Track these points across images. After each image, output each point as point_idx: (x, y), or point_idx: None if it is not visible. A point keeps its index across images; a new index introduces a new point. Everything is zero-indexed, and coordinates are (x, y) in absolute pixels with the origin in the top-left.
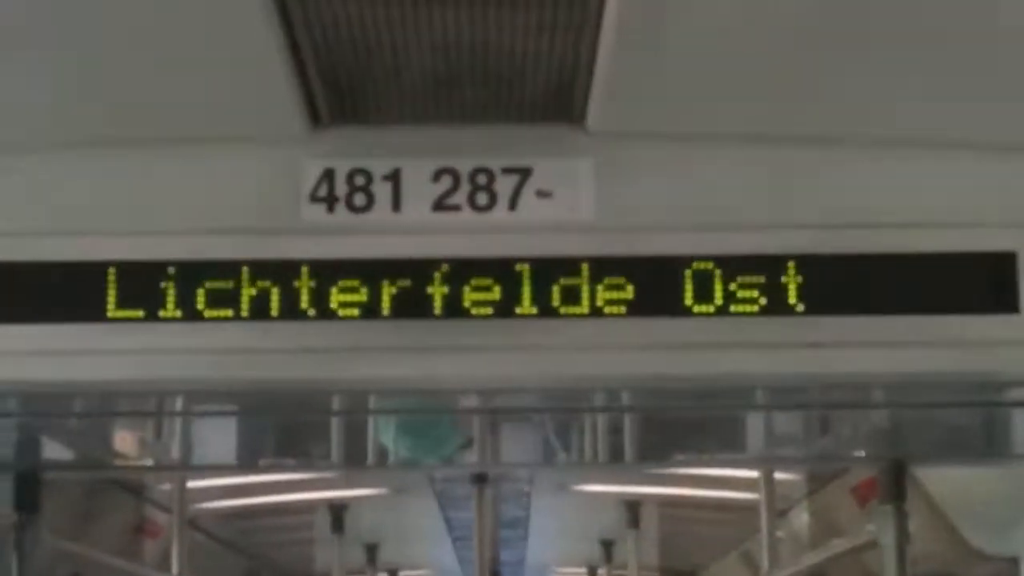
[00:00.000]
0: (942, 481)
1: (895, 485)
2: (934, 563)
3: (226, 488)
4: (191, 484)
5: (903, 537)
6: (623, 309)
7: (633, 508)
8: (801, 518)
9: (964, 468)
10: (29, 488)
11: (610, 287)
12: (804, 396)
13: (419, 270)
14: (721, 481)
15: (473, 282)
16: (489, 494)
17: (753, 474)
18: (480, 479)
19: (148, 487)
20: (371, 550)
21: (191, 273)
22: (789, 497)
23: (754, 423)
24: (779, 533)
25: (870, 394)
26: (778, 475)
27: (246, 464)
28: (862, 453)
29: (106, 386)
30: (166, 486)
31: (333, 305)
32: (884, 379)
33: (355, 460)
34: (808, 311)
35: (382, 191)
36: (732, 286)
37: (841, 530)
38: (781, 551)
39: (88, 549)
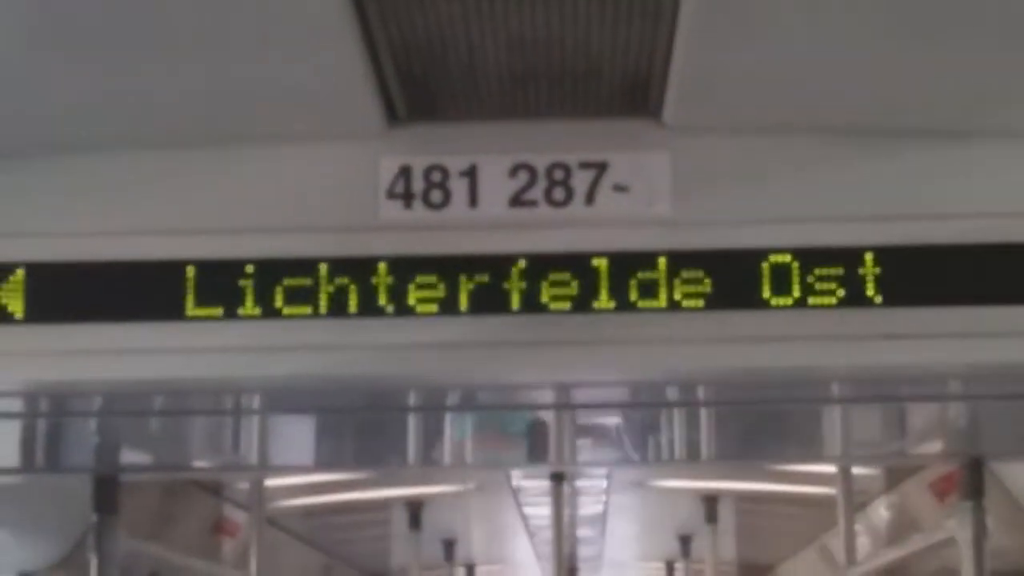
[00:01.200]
0: (1022, 477)
1: (974, 481)
2: (1013, 559)
3: (304, 486)
4: (269, 482)
5: (981, 533)
6: (701, 303)
7: (710, 503)
8: (879, 513)
9: None
10: (108, 490)
11: (687, 281)
12: (882, 389)
13: (496, 265)
14: (798, 476)
15: (551, 277)
16: (566, 491)
17: (831, 469)
18: (557, 477)
19: (226, 486)
20: (448, 546)
21: (269, 271)
22: (867, 492)
23: (831, 417)
24: (857, 528)
25: (948, 386)
26: (856, 469)
27: (323, 463)
28: (940, 448)
29: (185, 384)
30: (244, 485)
31: (411, 302)
32: (962, 370)
33: (432, 458)
34: (886, 303)
35: (459, 187)
36: (810, 278)
37: (919, 525)
38: (859, 546)
39: (166, 549)
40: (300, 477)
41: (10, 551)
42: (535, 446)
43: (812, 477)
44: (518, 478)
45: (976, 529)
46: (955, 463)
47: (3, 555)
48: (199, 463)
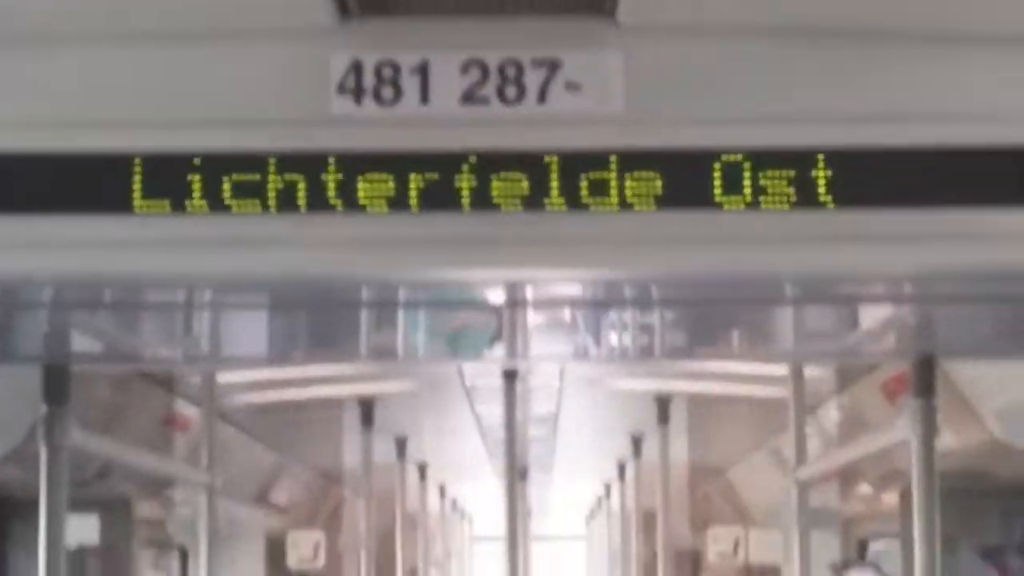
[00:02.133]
0: (971, 376)
1: (925, 379)
2: (962, 460)
3: (256, 382)
4: (221, 378)
5: (931, 431)
6: (652, 203)
7: (663, 404)
8: (830, 415)
9: (993, 362)
10: (58, 380)
11: (639, 180)
12: (833, 290)
13: (447, 163)
14: (751, 378)
15: (501, 175)
16: (519, 389)
17: (783, 371)
18: (510, 375)
19: (177, 380)
20: (400, 444)
21: (217, 165)
22: (818, 394)
23: (784, 317)
24: (808, 431)
25: (899, 288)
26: (808, 372)
27: (276, 357)
28: (892, 347)
29: (134, 278)
30: (196, 380)
31: (361, 198)
32: (913, 273)
33: (384, 353)
34: (838, 205)
35: (410, 83)
36: (762, 180)
37: (870, 426)
38: (809, 448)
39: (117, 442)
40: (252, 373)
41: None
42: (487, 342)
43: (764, 379)
44: (471, 376)
45: (926, 427)
46: (906, 361)
47: None
48: (150, 354)
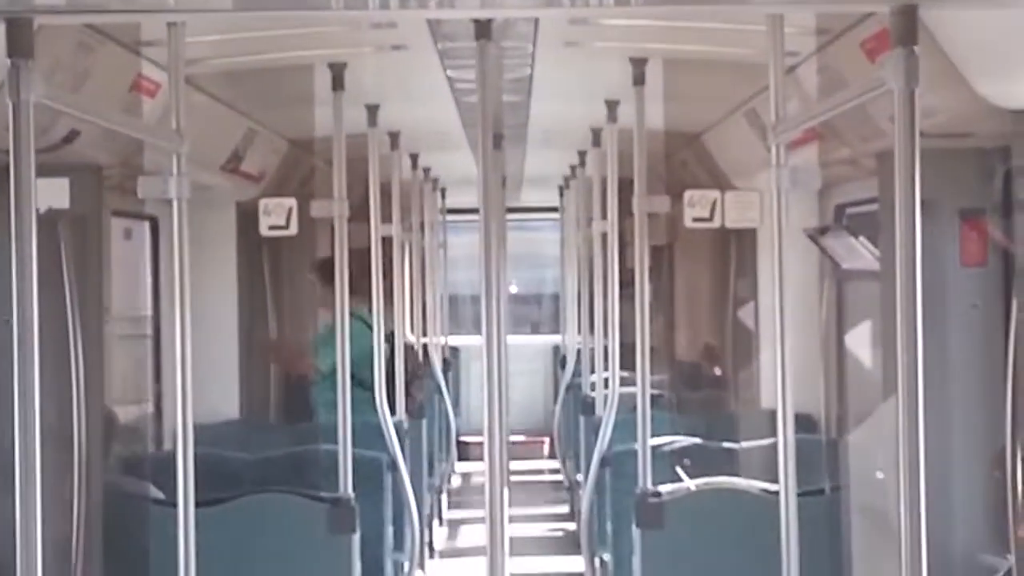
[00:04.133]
0: (954, 32)
1: (906, 27)
2: (941, 120)
3: (224, 44)
4: (189, 39)
5: (914, 81)
6: None
7: (639, 65)
8: (809, 75)
9: (976, 12)
10: (21, 33)
11: None
12: None
13: None
14: (728, 36)
15: None
16: (493, 51)
17: (760, 28)
18: (483, 31)
19: (144, 44)
20: (372, 111)
21: None
22: (797, 54)
23: None
24: (787, 93)
25: None
26: (787, 31)
27: (243, 5)
28: None
29: None
30: (163, 42)
31: None
32: None
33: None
34: None
35: None
36: None
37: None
38: (788, 113)
39: (86, 101)
40: (220, 35)
41: None
42: None
43: (742, 37)
44: (443, 40)
45: (908, 76)
46: (888, 9)
47: None
48: (116, 5)
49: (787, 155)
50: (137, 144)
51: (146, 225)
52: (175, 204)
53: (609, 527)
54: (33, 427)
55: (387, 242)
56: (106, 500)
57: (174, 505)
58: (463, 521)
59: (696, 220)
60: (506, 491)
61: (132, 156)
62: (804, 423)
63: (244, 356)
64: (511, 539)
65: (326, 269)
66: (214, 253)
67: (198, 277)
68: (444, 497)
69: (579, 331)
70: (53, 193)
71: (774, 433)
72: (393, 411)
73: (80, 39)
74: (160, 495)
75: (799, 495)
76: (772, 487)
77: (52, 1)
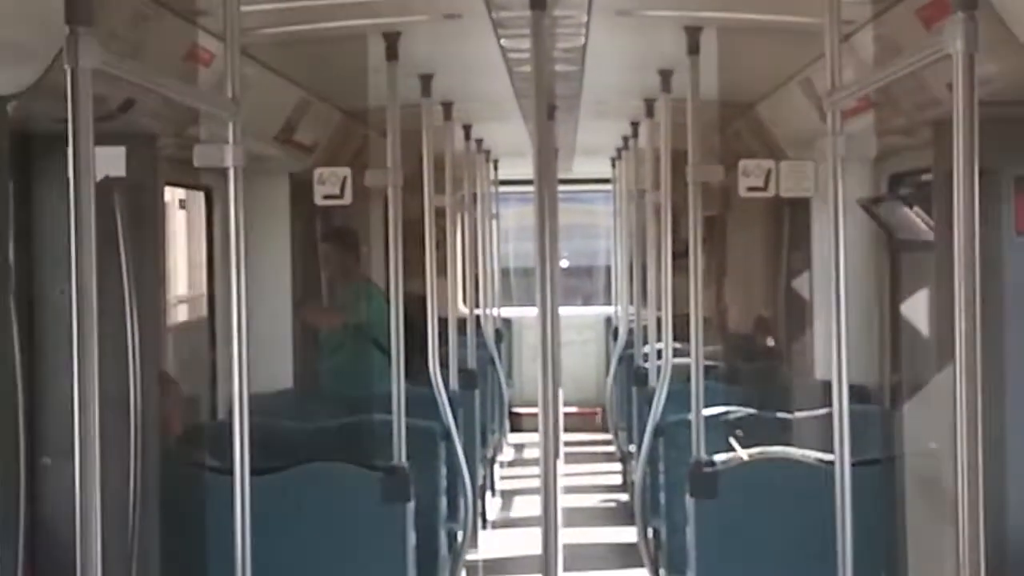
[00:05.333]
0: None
1: None
2: (999, 86)
3: (278, 13)
4: (244, 8)
5: (973, 46)
6: None
7: (693, 34)
8: (865, 43)
9: None
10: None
11: None
12: None
13: None
14: (785, 4)
15: None
16: (546, 20)
17: None
18: (538, 3)
19: (200, 13)
20: (426, 81)
21: None
22: (853, 22)
23: None
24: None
25: None
26: None
27: None
28: None
29: None
30: (218, 11)
31: None
32: None
33: None
34: None
35: None
36: None
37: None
38: (844, 80)
39: (143, 69)
40: (274, 3)
41: None
42: None
43: (797, 5)
44: (497, 9)
45: (968, 41)
46: None
47: None
48: None
49: (842, 123)
50: (190, 115)
51: (201, 197)
52: (231, 172)
53: (662, 497)
54: (92, 394)
55: (439, 213)
56: (163, 467)
57: (230, 473)
58: (516, 492)
59: (750, 189)
60: (559, 462)
61: (184, 127)
62: (857, 393)
63: (298, 326)
64: (564, 510)
65: (340, 238)
66: (268, 223)
67: (252, 248)
68: (496, 468)
69: (632, 302)
70: (110, 162)
71: (827, 404)
72: (408, 375)
73: (136, 8)
74: (215, 464)
75: (853, 465)
76: (826, 456)
77: None
